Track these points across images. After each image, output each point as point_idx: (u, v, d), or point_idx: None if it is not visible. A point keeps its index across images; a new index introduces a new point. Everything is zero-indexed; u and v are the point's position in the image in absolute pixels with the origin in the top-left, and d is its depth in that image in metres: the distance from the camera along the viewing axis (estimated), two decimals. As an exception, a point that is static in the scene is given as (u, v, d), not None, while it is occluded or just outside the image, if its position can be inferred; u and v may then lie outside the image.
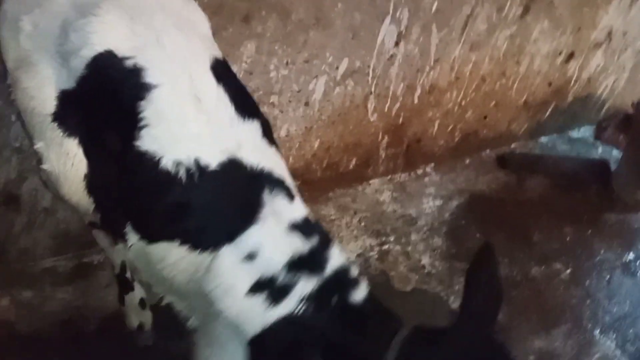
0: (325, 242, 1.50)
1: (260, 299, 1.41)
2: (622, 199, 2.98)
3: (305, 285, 1.43)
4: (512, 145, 3.32)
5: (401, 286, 2.53)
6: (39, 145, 1.52)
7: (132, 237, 1.50)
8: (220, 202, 1.45)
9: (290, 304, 1.41)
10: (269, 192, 1.45)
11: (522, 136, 3.32)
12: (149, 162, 1.40)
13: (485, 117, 3.10)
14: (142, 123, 1.39)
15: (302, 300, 1.42)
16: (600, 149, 3.41)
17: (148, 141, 1.40)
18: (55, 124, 1.46)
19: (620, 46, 3.28)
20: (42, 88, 1.46)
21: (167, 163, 1.40)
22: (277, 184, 1.48)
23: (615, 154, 3.20)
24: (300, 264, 1.44)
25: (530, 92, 3.14)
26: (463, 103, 2.95)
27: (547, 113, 3.31)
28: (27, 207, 2.17)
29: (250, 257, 1.42)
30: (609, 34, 3.18)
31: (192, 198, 1.43)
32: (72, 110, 1.46)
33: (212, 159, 1.42)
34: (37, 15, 1.45)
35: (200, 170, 1.41)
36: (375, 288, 1.54)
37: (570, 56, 3.15)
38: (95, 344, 2.08)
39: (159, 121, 1.40)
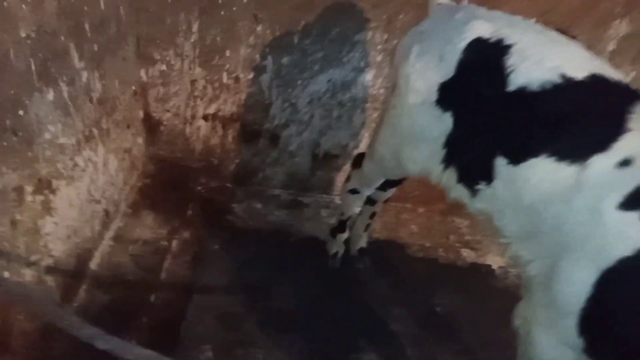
0: None
1: (635, 216, 1.27)
2: None
3: None
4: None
5: None
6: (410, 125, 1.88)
7: (499, 167, 1.59)
8: (588, 113, 1.46)
9: None
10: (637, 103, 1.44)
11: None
12: (520, 94, 1.56)
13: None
14: (508, 70, 1.60)
15: None
16: None
17: (516, 80, 1.58)
18: (437, 106, 1.80)
19: None
20: (430, 86, 1.80)
21: (533, 84, 1.54)
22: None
23: None
24: None
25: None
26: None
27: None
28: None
29: (625, 163, 1.34)
30: None
31: (560, 110, 1.49)
32: (448, 93, 1.78)
33: (577, 74, 1.52)
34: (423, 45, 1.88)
35: (567, 82, 1.50)
36: None
37: None
38: (293, 253, 2.83)
39: (522, 61, 1.59)
